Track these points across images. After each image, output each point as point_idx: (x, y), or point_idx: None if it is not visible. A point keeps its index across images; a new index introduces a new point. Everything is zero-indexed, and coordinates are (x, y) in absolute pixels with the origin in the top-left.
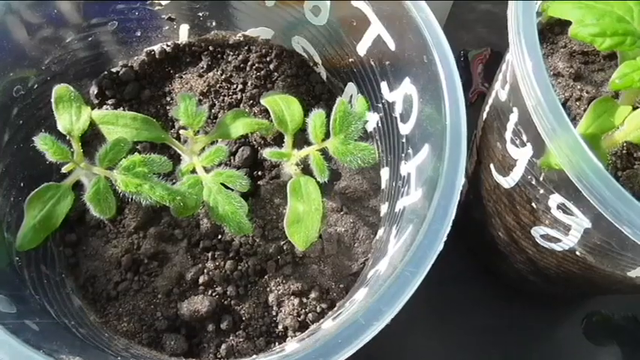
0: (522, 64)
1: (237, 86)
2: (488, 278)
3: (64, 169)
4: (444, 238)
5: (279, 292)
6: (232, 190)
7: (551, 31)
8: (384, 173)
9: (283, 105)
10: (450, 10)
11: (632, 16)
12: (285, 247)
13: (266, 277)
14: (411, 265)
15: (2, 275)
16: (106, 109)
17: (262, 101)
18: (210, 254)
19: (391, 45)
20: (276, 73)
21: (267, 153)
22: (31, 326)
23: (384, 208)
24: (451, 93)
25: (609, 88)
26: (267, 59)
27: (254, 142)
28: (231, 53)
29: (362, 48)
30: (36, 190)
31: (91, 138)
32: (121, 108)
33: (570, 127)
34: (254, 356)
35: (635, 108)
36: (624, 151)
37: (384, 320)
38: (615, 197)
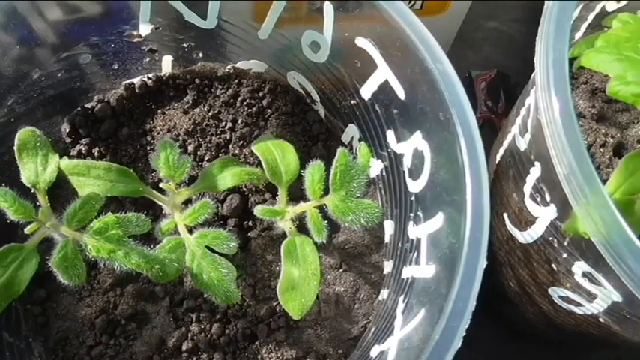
0: (552, 125)
1: (225, 124)
2: (493, 320)
3: (27, 230)
4: (464, 333)
5: None
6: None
7: (569, 63)
8: (388, 226)
9: (277, 154)
10: None
11: None
12: (277, 309)
13: (257, 342)
14: None
15: None
16: (80, 149)
17: (253, 149)
18: (194, 315)
19: (401, 93)
20: (269, 110)
21: (258, 211)
22: None
23: (387, 266)
24: (473, 165)
25: None
26: (260, 94)
27: (244, 190)
28: (220, 87)
29: (366, 91)
30: None
31: (63, 183)
32: (97, 148)
33: (607, 200)
34: None
35: None
36: None
37: None
38: None
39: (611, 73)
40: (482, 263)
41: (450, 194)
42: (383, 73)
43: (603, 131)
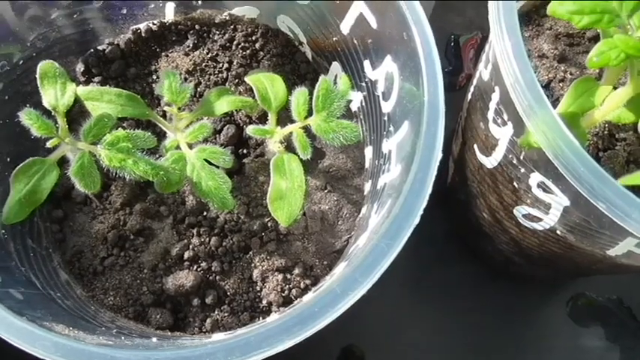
0: (501, 43)
1: (222, 65)
2: (474, 261)
3: (48, 144)
4: (421, 211)
5: (264, 268)
6: (217, 166)
7: (537, 13)
8: (368, 152)
9: (267, 83)
10: None
11: None
12: (269, 224)
13: (250, 253)
14: (386, 237)
15: None
16: (92, 86)
17: (247, 79)
18: (195, 230)
19: (373, 23)
20: (261, 52)
21: (250, 130)
22: (15, 295)
23: (367, 187)
24: (429, 68)
25: (587, 65)
26: (253, 38)
27: (239, 121)
28: (217, 32)
29: (345, 26)
30: (21, 164)
31: (78, 115)
32: (107, 86)
33: (547, 104)
34: (237, 330)
35: (615, 88)
36: (606, 132)
37: (359, 290)
38: (590, 173)
39: None
40: (438, 152)
41: (412, 101)
42: (358, 7)
43: (563, 69)
